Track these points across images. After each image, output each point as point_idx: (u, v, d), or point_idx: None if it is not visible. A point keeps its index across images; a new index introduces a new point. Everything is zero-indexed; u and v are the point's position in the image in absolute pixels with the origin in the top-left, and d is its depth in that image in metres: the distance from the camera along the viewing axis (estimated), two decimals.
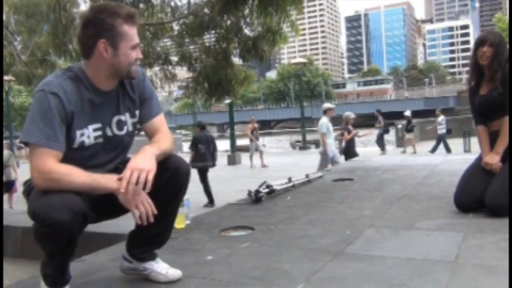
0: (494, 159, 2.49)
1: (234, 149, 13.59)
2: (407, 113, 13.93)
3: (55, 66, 6.64)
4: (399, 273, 1.63)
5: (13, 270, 3.37)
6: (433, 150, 11.94)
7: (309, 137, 19.96)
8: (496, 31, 2.94)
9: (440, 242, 2.01)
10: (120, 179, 1.38)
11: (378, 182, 3.92)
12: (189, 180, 1.59)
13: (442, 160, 5.18)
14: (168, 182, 1.52)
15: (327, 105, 7.70)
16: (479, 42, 2.60)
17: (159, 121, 1.62)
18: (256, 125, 13.62)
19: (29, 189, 1.47)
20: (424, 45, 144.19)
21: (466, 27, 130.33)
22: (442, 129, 12.49)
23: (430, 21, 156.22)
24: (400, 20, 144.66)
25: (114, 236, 2.88)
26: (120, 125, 1.56)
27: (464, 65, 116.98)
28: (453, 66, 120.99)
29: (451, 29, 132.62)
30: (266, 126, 49.89)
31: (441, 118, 12.75)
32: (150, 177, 1.37)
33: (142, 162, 1.39)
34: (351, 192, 3.46)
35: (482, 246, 1.89)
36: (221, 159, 12.69)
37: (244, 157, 13.21)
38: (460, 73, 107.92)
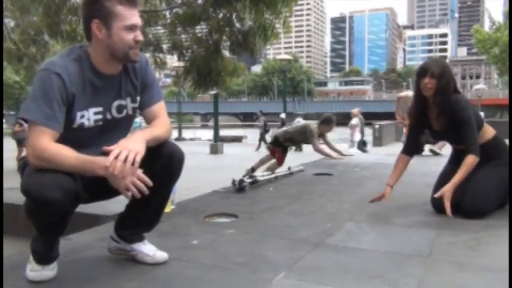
0: (448, 193, 2.30)
1: (217, 138, 13.59)
2: (282, 115, 15.51)
3: (47, 46, 6.49)
4: (376, 265, 1.70)
5: None
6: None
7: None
8: (439, 59, 2.63)
9: (415, 238, 2.09)
10: (108, 151, 1.36)
11: (356, 178, 4.03)
12: (182, 166, 1.61)
13: (414, 161, 5.35)
14: (162, 168, 1.54)
15: None
16: (421, 73, 2.42)
17: (159, 108, 1.63)
18: None
19: (24, 165, 1.47)
20: (404, 50, 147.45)
21: (444, 35, 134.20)
22: None
23: (411, 27, 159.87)
24: (383, 24, 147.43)
25: (94, 217, 2.89)
26: (120, 109, 1.58)
27: None
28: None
29: (430, 36, 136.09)
30: (249, 118, 50.25)
31: (298, 120, 13.97)
32: (138, 158, 1.37)
33: (132, 144, 1.39)
34: (331, 187, 3.55)
35: (453, 244, 1.98)
36: (204, 149, 12.67)
37: (227, 147, 13.20)
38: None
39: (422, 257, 1.81)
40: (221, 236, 2.12)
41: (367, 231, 2.22)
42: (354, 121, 10.80)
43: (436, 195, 2.27)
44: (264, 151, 13.62)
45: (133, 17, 1.47)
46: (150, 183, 1.41)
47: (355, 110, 11.92)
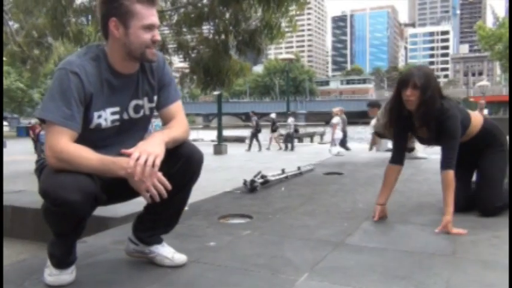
0: (449, 224, 2.11)
1: (221, 139, 13.54)
2: (273, 115, 15.98)
3: (51, 49, 6.48)
4: (400, 265, 1.67)
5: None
6: (292, 148, 13.98)
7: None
8: (423, 67, 2.33)
9: (435, 236, 2.05)
10: (127, 154, 1.34)
11: (367, 176, 3.99)
12: (201, 168, 1.58)
13: (426, 159, 5.30)
14: (181, 169, 1.50)
15: None
16: (402, 84, 2.19)
17: (176, 108, 1.59)
18: None
19: (42, 167, 1.44)
20: (405, 48, 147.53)
21: (446, 33, 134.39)
22: (289, 129, 14.83)
23: (413, 25, 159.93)
24: (384, 22, 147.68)
25: (103, 219, 2.84)
26: (137, 109, 1.54)
27: (443, 69, 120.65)
28: (432, 70, 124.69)
29: (432, 34, 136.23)
30: (250, 118, 50.34)
31: (291, 120, 14.78)
32: (158, 161, 1.34)
33: (151, 147, 1.36)
34: (342, 186, 3.51)
35: (475, 242, 1.94)
36: (207, 149, 12.66)
37: (230, 147, 13.16)
38: (438, 77, 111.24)
39: (446, 255, 1.77)
40: (238, 237, 2.08)
41: (386, 231, 2.18)
42: (335, 120, 11.04)
43: (437, 230, 2.12)
44: (255, 150, 13.74)
45: (152, 16, 1.43)
46: (169, 186, 1.38)
47: (336, 109, 12.09)
